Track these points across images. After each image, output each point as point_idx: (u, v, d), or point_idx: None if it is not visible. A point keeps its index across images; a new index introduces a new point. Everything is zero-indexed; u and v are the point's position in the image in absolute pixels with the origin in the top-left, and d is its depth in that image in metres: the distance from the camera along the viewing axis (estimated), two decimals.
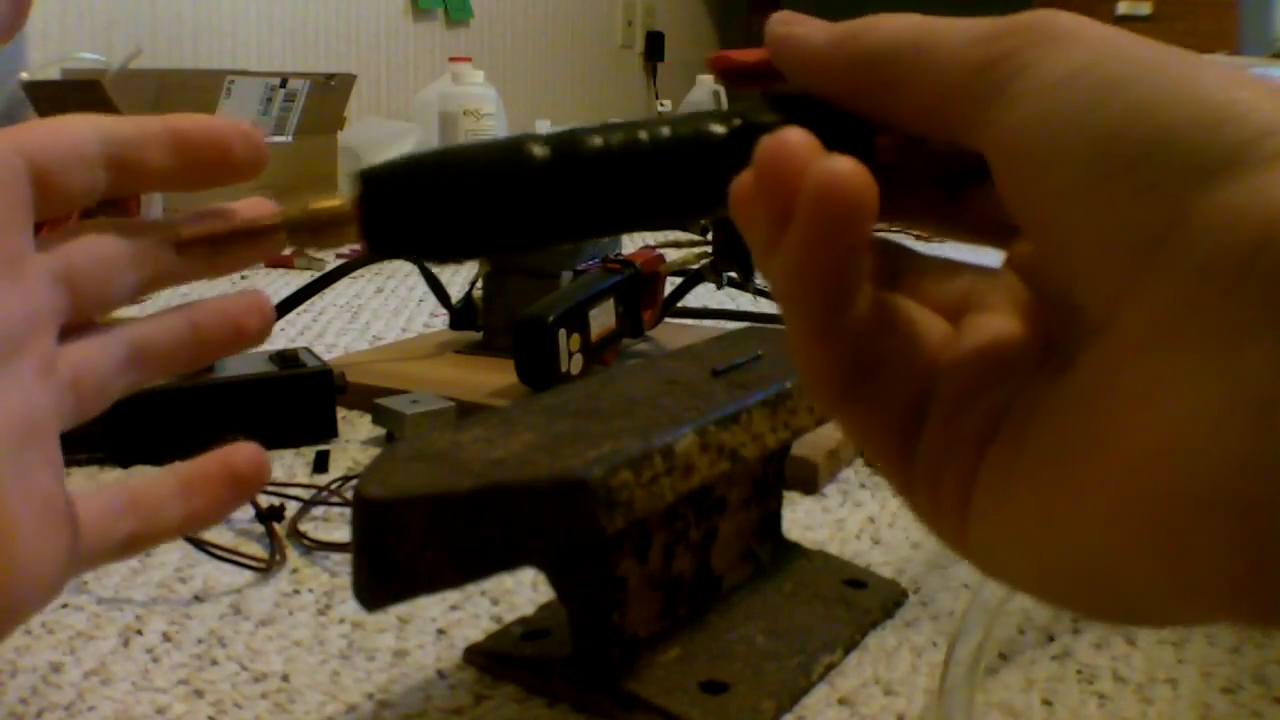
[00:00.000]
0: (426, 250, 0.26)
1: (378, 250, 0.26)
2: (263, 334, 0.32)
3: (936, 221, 0.28)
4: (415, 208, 0.26)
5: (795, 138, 0.21)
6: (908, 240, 0.28)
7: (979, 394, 0.23)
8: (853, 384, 0.24)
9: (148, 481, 0.30)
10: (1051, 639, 0.50)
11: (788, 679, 0.45)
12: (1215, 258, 0.17)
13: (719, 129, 0.25)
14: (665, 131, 0.26)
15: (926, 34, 0.23)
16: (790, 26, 0.25)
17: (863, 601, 0.51)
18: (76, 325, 0.29)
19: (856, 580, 0.53)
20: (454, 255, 0.27)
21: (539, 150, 0.25)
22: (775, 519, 0.54)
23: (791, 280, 0.22)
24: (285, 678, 0.46)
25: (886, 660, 0.48)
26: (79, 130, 0.28)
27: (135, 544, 0.30)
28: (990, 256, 0.27)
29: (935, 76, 0.22)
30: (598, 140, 0.25)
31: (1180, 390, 0.18)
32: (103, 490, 0.30)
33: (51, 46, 1.74)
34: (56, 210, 0.28)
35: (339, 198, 0.27)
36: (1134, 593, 0.19)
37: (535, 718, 0.43)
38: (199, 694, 0.44)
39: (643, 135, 0.26)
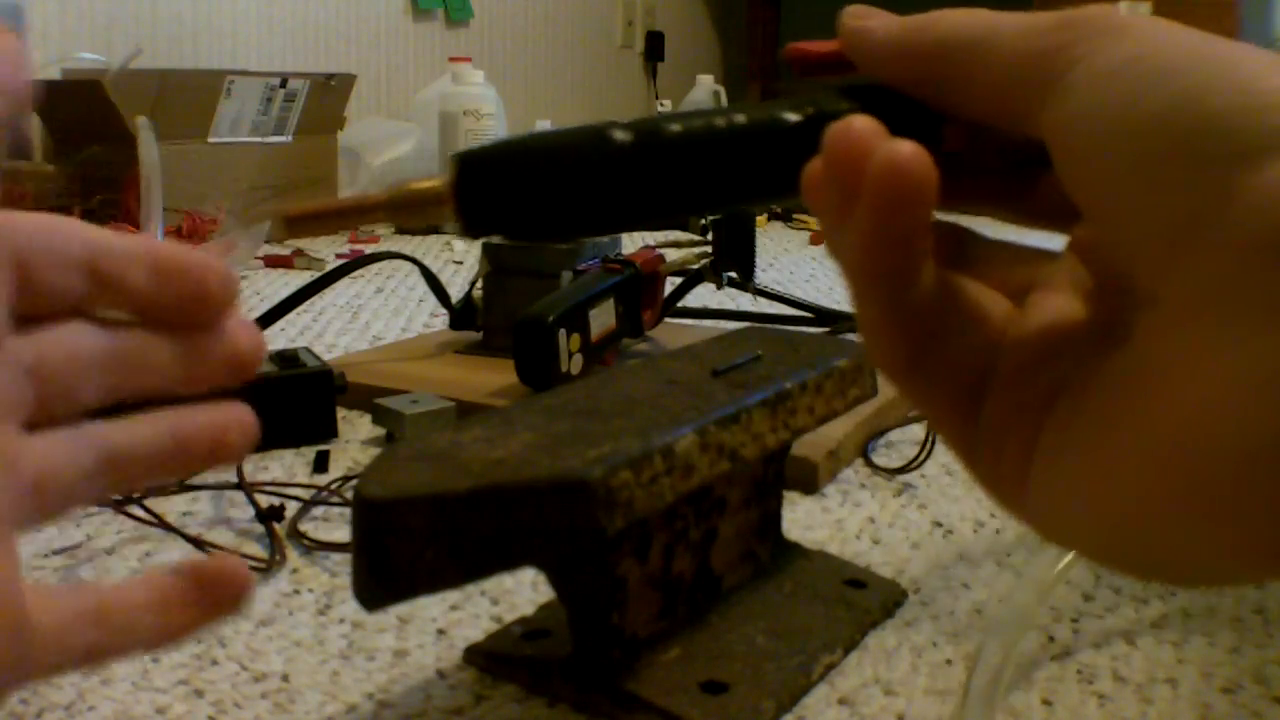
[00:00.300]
0: (516, 230, 0.28)
1: (472, 229, 0.28)
2: (243, 452, 0.31)
3: (1003, 206, 0.29)
4: (507, 189, 0.27)
5: (861, 123, 0.23)
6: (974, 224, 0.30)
7: (1041, 367, 0.25)
8: (918, 357, 0.25)
9: (122, 589, 0.28)
10: (1052, 639, 0.50)
11: (788, 679, 0.45)
12: (1258, 234, 0.19)
13: (793, 116, 0.27)
14: (741, 118, 0.27)
15: (989, 27, 0.24)
16: (862, 20, 0.27)
17: (863, 601, 0.51)
18: (45, 422, 0.27)
19: (856, 580, 0.53)
20: (541, 235, 0.28)
21: (621, 135, 0.27)
22: (775, 519, 0.54)
23: (858, 257, 0.24)
24: (285, 678, 0.46)
25: (886, 660, 0.48)
26: (67, 231, 0.27)
27: (97, 656, 0.28)
28: (1054, 241, 0.28)
29: (998, 67, 0.24)
30: (676, 126, 0.27)
31: (1223, 357, 0.19)
32: (71, 593, 0.28)
33: (51, 46, 1.74)
34: (29, 304, 0.26)
35: (436, 179, 0.28)
36: (1182, 550, 0.20)
37: (535, 718, 0.43)
38: (199, 694, 0.44)
39: (719, 121, 0.27)
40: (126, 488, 0.30)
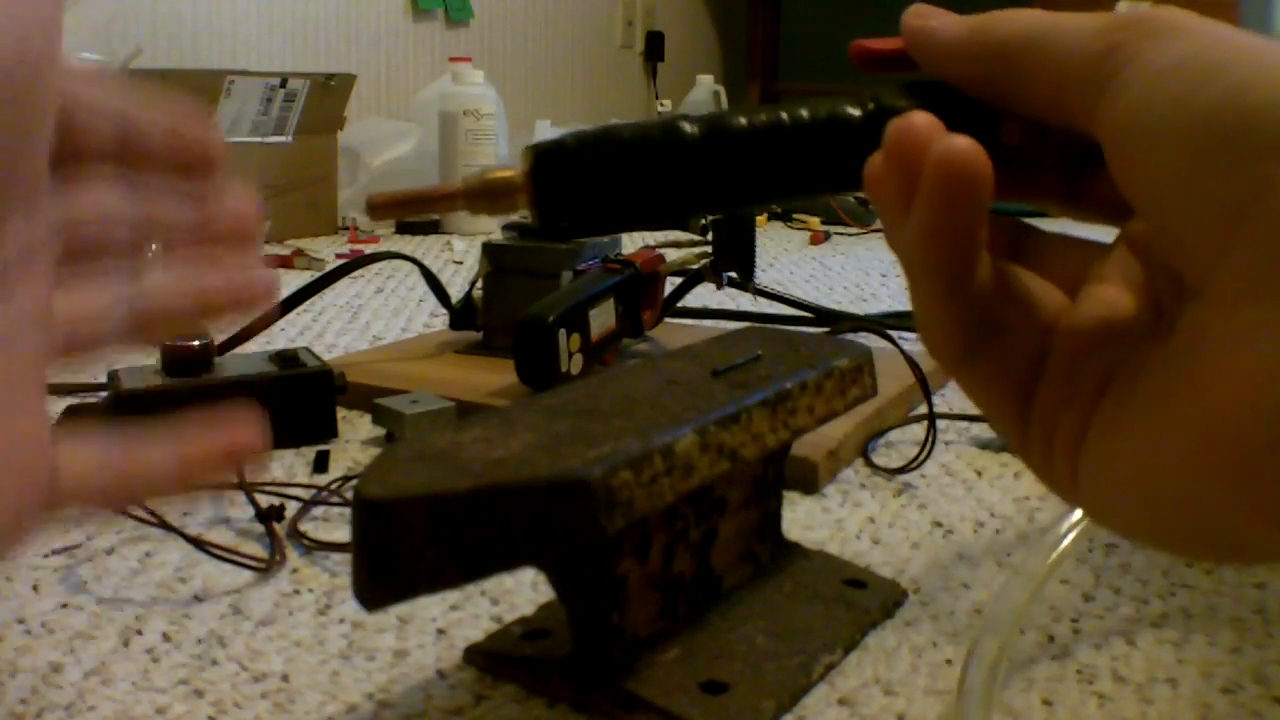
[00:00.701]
0: (586, 218, 0.29)
1: (544, 217, 0.28)
2: (264, 306, 0.32)
3: (1059, 202, 0.30)
4: (580, 178, 0.28)
5: (920, 120, 0.24)
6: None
7: (1092, 357, 0.25)
8: (973, 347, 0.26)
9: (142, 441, 0.30)
10: (1051, 639, 0.50)
11: (788, 679, 0.45)
12: None
13: (855, 112, 0.28)
14: (805, 113, 0.28)
15: (1047, 28, 0.25)
16: (925, 19, 0.28)
17: (863, 601, 0.51)
18: (78, 272, 0.28)
19: (856, 580, 0.53)
20: (612, 224, 0.29)
21: (690, 129, 0.28)
22: (775, 519, 0.54)
23: (917, 248, 0.24)
24: (285, 678, 0.46)
25: (886, 660, 0.48)
26: (108, 83, 0.28)
27: (119, 495, 0.29)
28: (1107, 235, 0.29)
29: (1055, 66, 0.25)
30: (743, 120, 0.28)
31: (1263, 338, 0.19)
32: (96, 442, 0.29)
33: None
34: (65, 149, 0.27)
35: (512, 169, 0.29)
36: (1229, 527, 0.21)
37: (535, 718, 0.43)
38: (199, 694, 0.44)
39: (784, 116, 0.28)
40: (150, 344, 0.31)
